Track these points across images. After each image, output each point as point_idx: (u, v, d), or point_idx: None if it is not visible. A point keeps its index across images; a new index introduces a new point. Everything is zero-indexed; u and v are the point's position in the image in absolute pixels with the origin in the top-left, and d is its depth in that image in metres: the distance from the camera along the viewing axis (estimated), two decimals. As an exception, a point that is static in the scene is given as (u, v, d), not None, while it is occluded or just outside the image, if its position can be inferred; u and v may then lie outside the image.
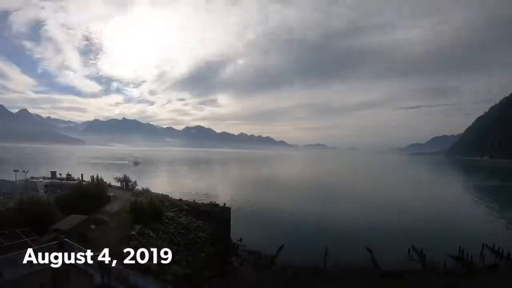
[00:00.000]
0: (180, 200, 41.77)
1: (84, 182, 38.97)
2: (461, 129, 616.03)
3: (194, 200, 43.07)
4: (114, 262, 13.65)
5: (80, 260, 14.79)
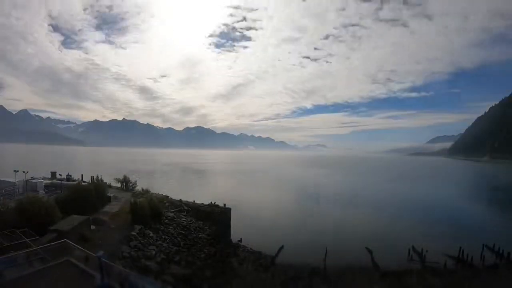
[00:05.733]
0: (180, 200, 41.78)
1: (84, 183, 38.95)
2: (461, 130, 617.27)
3: (194, 201, 43.06)
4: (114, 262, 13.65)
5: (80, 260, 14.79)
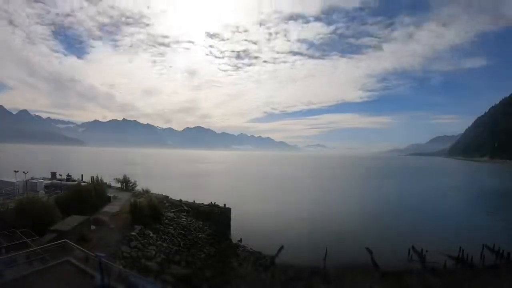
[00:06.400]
0: (180, 200, 41.77)
1: (84, 183, 38.93)
2: (461, 129, 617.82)
3: (194, 201, 43.05)
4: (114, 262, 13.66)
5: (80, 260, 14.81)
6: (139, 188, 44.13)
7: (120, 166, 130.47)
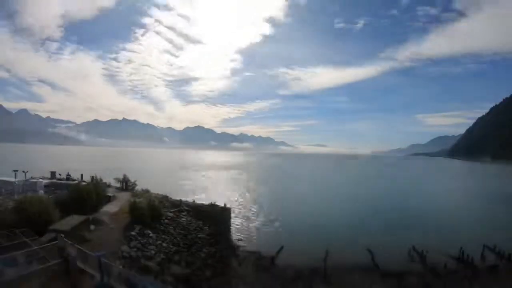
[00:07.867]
0: (180, 200, 41.68)
1: (83, 182, 38.82)
2: (462, 130, 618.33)
3: (194, 201, 42.97)
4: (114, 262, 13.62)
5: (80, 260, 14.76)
6: (138, 187, 44.03)
7: (120, 166, 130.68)
